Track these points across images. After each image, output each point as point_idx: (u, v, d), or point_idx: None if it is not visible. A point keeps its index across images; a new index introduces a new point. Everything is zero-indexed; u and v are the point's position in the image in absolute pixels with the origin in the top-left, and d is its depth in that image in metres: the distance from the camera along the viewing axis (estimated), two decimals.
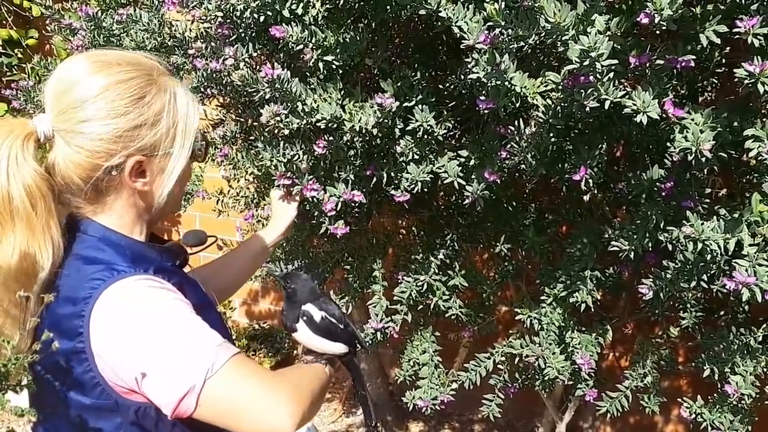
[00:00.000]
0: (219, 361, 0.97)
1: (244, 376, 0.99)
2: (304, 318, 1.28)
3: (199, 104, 1.14)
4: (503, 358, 2.05)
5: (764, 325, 1.65)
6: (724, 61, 1.53)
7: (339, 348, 1.30)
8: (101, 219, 1.09)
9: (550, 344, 1.81)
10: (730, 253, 1.33)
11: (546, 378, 1.82)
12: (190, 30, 1.95)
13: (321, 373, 1.22)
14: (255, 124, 2.08)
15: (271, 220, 1.70)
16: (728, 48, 1.48)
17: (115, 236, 1.08)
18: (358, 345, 1.35)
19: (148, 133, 1.05)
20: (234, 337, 3.48)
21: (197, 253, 1.41)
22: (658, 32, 1.27)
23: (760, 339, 1.63)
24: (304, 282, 1.33)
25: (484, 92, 1.37)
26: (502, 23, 1.07)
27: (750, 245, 1.34)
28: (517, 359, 1.89)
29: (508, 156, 1.45)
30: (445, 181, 1.62)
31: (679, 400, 1.72)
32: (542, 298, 1.88)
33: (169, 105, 1.08)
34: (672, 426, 3.15)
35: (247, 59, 1.55)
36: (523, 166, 1.52)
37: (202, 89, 1.98)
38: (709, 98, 1.66)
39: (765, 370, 1.56)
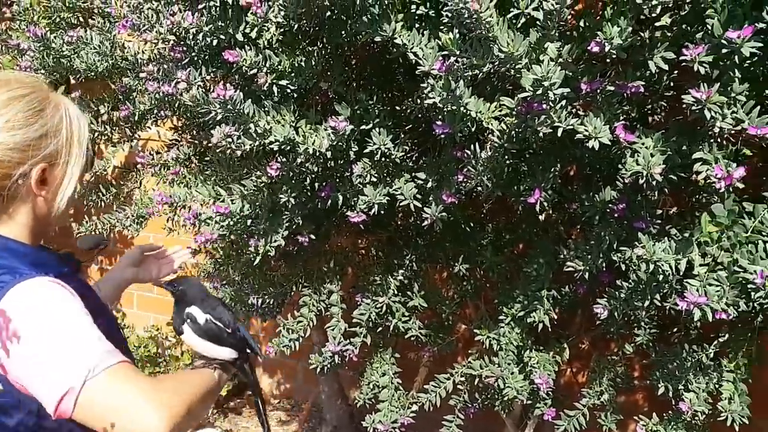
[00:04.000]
0: (100, 366, 1.00)
1: (123, 382, 1.02)
2: (188, 320, 1.28)
3: (87, 116, 1.23)
4: (463, 379, 2.05)
5: (715, 342, 1.68)
6: (672, 84, 1.57)
7: (226, 353, 1.28)
8: (1, 228, 1.13)
9: (509, 364, 1.81)
10: (681, 273, 1.36)
11: (505, 398, 1.82)
12: (143, 52, 1.92)
13: (207, 378, 1.23)
14: (210, 146, 2.06)
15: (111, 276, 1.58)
16: (676, 72, 1.52)
17: (13, 244, 1.12)
18: (250, 351, 1.34)
19: (51, 141, 1.12)
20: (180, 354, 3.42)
21: (95, 258, 1.40)
22: (608, 59, 1.29)
23: (712, 356, 1.67)
24: (192, 285, 1.33)
25: (440, 117, 1.38)
26: (457, 52, 1.07)
27: (700, 265, 1.37)
28: (476, 380, 1.89)
29: (465, 179, 1.45)
30: (401, 204, 1.62)
31: (635, 418, 1.74)
32: (500, 317, 1.88)
33: (65, 117, 1.15)
34: None
35: (200, 83, 1.52)
36: (479, 188, 1.53)
37: (155, 111, 1.95)
38: (659, 120, 1.70)
39: (717, 386, 1.59)
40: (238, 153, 1.54)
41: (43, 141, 1.10)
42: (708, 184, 1.59)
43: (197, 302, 1.30)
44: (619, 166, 1.48)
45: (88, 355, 1.01)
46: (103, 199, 2.26)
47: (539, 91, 1.06)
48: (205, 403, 1.18)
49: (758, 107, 1.23)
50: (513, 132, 1.34)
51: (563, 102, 1.13)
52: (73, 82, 2.64)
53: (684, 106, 1.54)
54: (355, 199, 1.62)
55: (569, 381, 2.88)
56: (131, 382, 1.03)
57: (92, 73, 1.92)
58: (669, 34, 1.37)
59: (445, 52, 1.14)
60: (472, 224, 2.01)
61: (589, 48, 1.12)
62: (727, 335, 1.67)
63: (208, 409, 1.23)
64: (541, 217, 2.00)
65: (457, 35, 1.07)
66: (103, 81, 2.19)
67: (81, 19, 2.13)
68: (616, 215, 1.53)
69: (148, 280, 1.55)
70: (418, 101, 1.59)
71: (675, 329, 1.91)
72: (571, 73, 1.19)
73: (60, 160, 1.13)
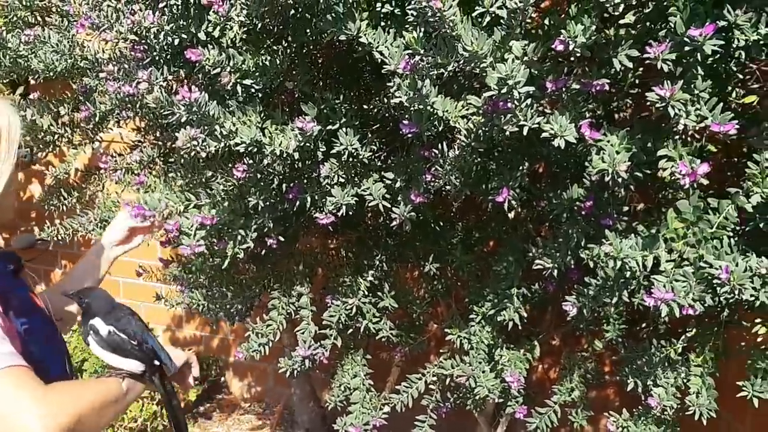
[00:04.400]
0: None
1: (11, 386, 1.00)
2: (92, 332, 1.27)
3: (18, 114, 1.18)
4: (435, 378, 2.04)
5: (683, 337, 1.70)
6: (637, 82, 1.58)
7: (132, 365, 1.27)
8: None
9: (480, 363, 1.81)
10: (648, 270, 1.36)
11: (477, 397, 1.82)
12: (103, 51, 1.87)
13: (110, 389, 1.20)
14: (174, 147, 2.02)
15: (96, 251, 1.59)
16: (641, 69, 1.53)
17: None
18: (159, 363, 1.32)
19: None
20: None
21: (32, 259, 1.39)
22: (573, 57, 1.29)
23: (680, 351, 1.68)
24: (98, 297, 1.31)
25: (407, 116, 1.36)
26: (422, 51, 1.06)
27: (667, 261, 1.38)
28: (448, 379, 1.89)
29: (433, 178, 1.45)
30: (370, 204, 1.60)
31: (606, 414, 1.75)
32: (471, 316, 1.88)
33: None
34: None
35: (162, 83, 1.49)
36: (448, 187, 1.52)
37: (117, 112, 1.91)
38: (624, 118, 1.71)
39: (684, 381, 1.61)
40: (203, 155, 1.51)
41: None
42: (673, 181, 1.62)
43: (101, 314, 1.28)
44: (586, 163, 1.49)
45: None
46: (65, 203, 2.20)
47: (504, 90, 1.05)
48: (104, 412, 1.16)
49: (721, 104, 1.24)
50: (480, 131, 1.34)
51: (528, 100, 1.13)
52: (32, 82, 2.57)
53: (648, 103, 1.56)
54: (323, 200, 1.60)
55: (541, 378, 2.90)
56: (22, 388, 1.01)
57: (51, 73, 1.86)
58: (633, 32, 1.37)
59: (410, 51, 1.13)
60: (441, 223, 2.00)
61: (553, 46, 1.11)
62: (694, 330, 1.69)
63: (111, 418, 1.21)
64: (510, 215, 2.00)
65: (422, 34, 1.06)
66: (63, 81, 2.14)
67: (38, 18, 2.07)
68: (583, 212, 1.53)
69: (131, 247, 1.57)
70: (385, 100, 1.58)
71: (644, 325, 1.93)
72: (536, 72, 1.19)
73: None
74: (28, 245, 1.41)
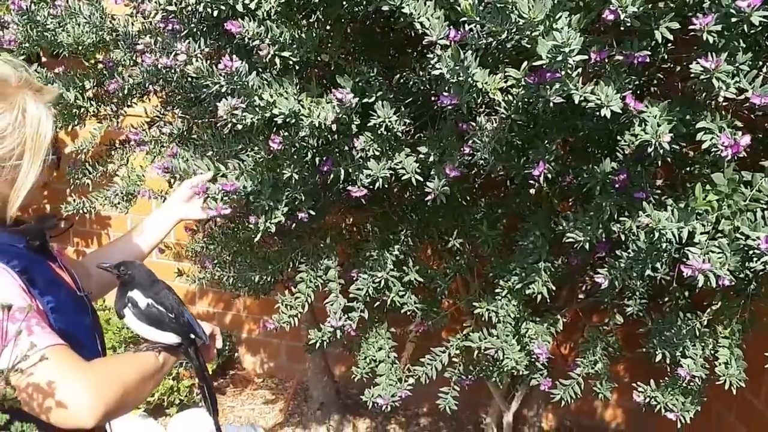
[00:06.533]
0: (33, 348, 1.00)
1: (55, 365, 1.02)
2: (129, 304, 1.28)
3: (51, 117, 1.18)
4: (457, 351, 2.07)
5: (708, 310, 1.73)
6: (666, 56, 1.59)
7: (168, 338, 1.29)
8: None
9: (507, 336, 1.83)
10: (683, 242, 1.38)
11: (504, 369, 1.84)
12: (132, 24, 1.87)
13: (148, 362, 1.24)
14: (198, 121, 2.02)
15: (159, 214, 1.62)
16: (670, 43, 1.54)
17: None
18: (194, 337, 1.35)
19: None
20: None
21: (60, 233, 1.40)
22: (613, 29, 1.30)
23: (705, 323, 1.71)
24: (139, 269, 1.33)
25: (446, 88, 1.37)
26: (477, 18, 1.07)
27: (701, 233, 1.40)
28: (476, 352, 1.91)
29: (471, 152, 1.46)
30: (402, 178, 1.61)
31: (633, 384, 1.78)
32: (497, 290, 1.90)
33: (16, 122, 1.10)
34: (611, 410, 3.27)
35: (199, 54, 1.49)
36: (481, 162, 1.53)
37: (145, 86, 1.91)
38: (654, 92, 1.72)
39: (713, 352, 1.64)
40: (239, 127, 1.51)
41: None
42: (702, 154, 1.64)
43: (140, 286, 1.30)
44: (618, 137, 1.51)
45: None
46: (90, 177, 2.21)
47: (559, 58, 1.06)
48: (145, 386, 1.20)
49: (759, 77, 1.26)
50: (520, 103, 1.35)
51: (579, 70, 1.14)
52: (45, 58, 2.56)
53: (680, 76, 1.56)
54: (357, 173, 1.61)
55: (553, 352, 2.93)
56: (63, 367, 1.03)
57: (78, 47, 1.86)
58: (672, 4, 1.38)
59: (464, 18, 1.13)
60: (468, 198, 2.01)
61: (603, 16, 1.12)
62: (720, 303, 1.71)
63: (150, 390, 1.24)
64: (532, 191, 2.02)
65: (476, 1, 1.07)
66: (80, 57, 2.13)
67: None
68: (616, 186, 1.55)
69: (195, 217, 1.62)
70: (421, 73, 1.58)
71: (666, 299, 1.95)
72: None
73: (5, 164, 1.11)
74: (50, 224, 1.42)
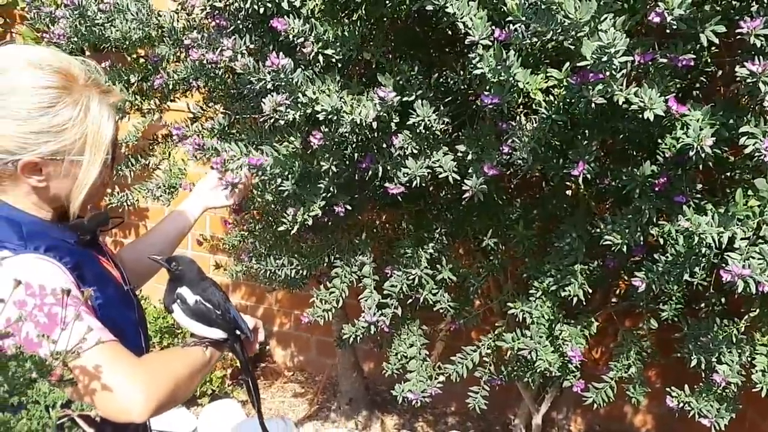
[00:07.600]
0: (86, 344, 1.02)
1: (108, 361, 1.04)
2: (178, 300, 1.31)
3: (114, 117, 1.21)
4: (488, 351, 2.08)
5: (746, 317, 1.71)
6: (709, 60, 1.58)
7: (215, 333, 1.32)
8: (5, 197, 1.15)
9: (541, 337, 1.84)
10: (723, 247, 1.37)
11: (537, 370, 1.85)
12: (177, 21, 1.91)
13: (197, 357, 1.26)
14: (240, 117, 2.06)
15: (187, 203, 1.65)
16: (713, 47, 1.52)
17: (16, 213, 1.14)
18: (240, 333, 1.37)
19: (51, 140, 1.10)
20: None
21: (110, 230, 1.43)
22: (657, 32, 1.30)
23: (743, 330, 1.69)
24: (189, 265, 1.35)
25: (487, 88, 1.38)
26: (523, 18, 1.08)
27: (741, 239, 1.39)
28: (508, 353, 1.92)
29: (509, 151, 1.46)
30: (440, 176, 1.63)
31: (665, 389, 1.77)
32: (531, 291, 1.90)
33: (77, 118, 1.13)
34: (641, 416, 3.24)
35: (244, 51, 1.52)
36: (519, 161, 1.54)
37: (189, 81, 1.95)
38: (696, 96, 1.71)
39: (750, 359, 1.62)
40: (281, 122, 1.54)
41: (37, 137, 1.10)
42: (743, 159, 1.62)
43: (189, 283, 1.32)
44: (659, 140, 1.50)
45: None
46: (133, 169, 2.26)
47: (604, 59, 1.06)
48: (193, 380, 1.22)
49: None
50: (561, 103, 1.35)
51: (624, 71, 1.14)
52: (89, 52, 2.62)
53: (722, 80, 1.55)
54: (395, 171, 1.63)
55: (585, 355, 2.91)
56: (116, 362, 1.05)
57: (125, 42, 1.91)
58: (717, 8, 1.37)
59: (510, 18, 1.14)
60: (504, 197, 2.02)
61: (648, 18, 1.12)
62: (758, 310, 1.69)
63: (197, 384, 1.27)
64: (569, 192, 2.02)
65: (523, 1, 1.07)
66: (123, 51, 2.18)
67: None
68: (656, 189, 1.54)
69: (221, 204, 1.64)
70: (461, 72, 1.59)
71: (702, 305, 1.93)
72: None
73: (63, 158, 1.13)
74: (102, 221, 1.46)
